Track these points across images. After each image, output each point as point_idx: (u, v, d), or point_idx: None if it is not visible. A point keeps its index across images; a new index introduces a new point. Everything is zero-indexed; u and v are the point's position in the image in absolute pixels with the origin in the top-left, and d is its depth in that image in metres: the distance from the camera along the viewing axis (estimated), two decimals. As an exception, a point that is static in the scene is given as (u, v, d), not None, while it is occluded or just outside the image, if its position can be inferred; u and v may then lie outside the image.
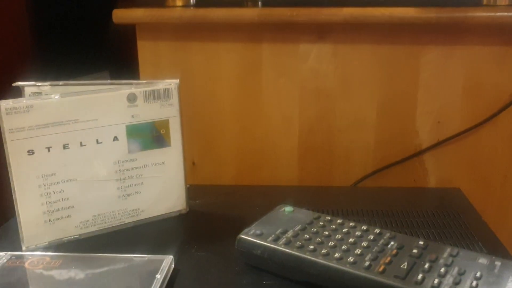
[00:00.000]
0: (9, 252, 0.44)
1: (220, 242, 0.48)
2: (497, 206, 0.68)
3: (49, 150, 0.46)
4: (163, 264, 0.42)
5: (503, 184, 0.68)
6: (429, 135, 0.67)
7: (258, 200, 0.56)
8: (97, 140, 0.48)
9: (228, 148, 0.73)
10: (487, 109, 0.65)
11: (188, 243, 0.48)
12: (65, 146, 0.46)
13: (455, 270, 0.37)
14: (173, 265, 0.43)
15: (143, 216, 0.52)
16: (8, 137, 0.44)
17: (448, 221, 0.52)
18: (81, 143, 0.47)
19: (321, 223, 0.45)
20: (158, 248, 0.46)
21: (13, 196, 0.45)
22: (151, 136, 0.50)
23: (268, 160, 0.73)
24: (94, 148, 0.48)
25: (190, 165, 0.75)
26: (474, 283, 0.35)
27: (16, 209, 0.46)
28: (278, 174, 0.73)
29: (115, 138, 0.48)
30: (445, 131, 0.67)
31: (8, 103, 0.44)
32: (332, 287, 0.39)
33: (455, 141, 0.67)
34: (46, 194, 0.46)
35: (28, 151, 0.45)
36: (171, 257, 0.43)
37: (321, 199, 0.58)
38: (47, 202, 0.47)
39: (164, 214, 0.53)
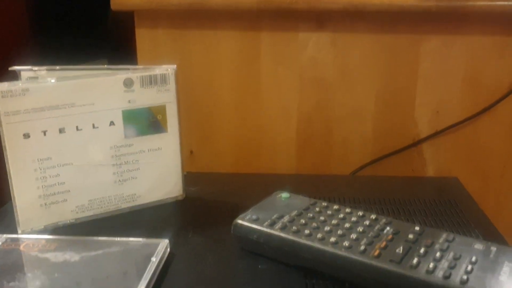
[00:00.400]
0: (4, 235, 0.44)
1: (216, 228, 0.48)
2: (495, 197, 0.68)
3: (45, 134, 0.46)
4: (159, 247, 0.42)
5: (501, 175, 0.68)
6: (428, 125, 0.67)
7: (255, 188, 0.56)
8: (93, 125, 0.47)
9: (226, 137, 0.73)
10: (487, 99, 0.65)
11: (184, 228, 0.48)
12: (61, 130, 0.46)
13: (450, 255, 0.37)
14: (168, 249, 0.43)
15: (139, 201, 0.51)
16: (3, 120, 0.44)
17: (445, 209, 0.51)
18: (77, 127, 0.47)
19: (317, 209, 0.45)
20: (154, 233, 0.46)
21: (9, 179, 0.45)
22: (147, 121, 0.50)
23: (266, 150, 0.73)
24: (90, 132, 0.47)
25: (188, 154, 0.75)
26: (470, 267, 0.35)
27: (11, 193, 0.46)
28: (276, 163, 0.73)
29: (112, 123, 0.48)
30: (444, 121, 0.67)
31: (3, 86, 0.43)
32: (327, 271, 0.39)
33: (453, 131, 0.67)
34: (42, 178, 0.46)
35: (24, 135, 0.45)
36: (166, 241, 0.43)
37: (319, 187, 0.58)
38: (43, 186, 0.46)
39: (161, 200, 0.53)
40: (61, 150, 0.46)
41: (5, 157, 0.45)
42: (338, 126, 0.70)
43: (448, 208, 0.52)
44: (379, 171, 0.70)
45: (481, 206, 0.52)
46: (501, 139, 0.66)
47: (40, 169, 0.46)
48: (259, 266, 0.41)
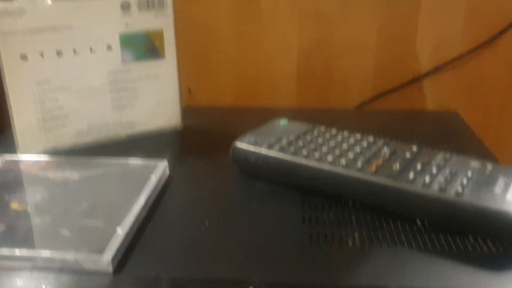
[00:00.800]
0: (4, 156, 0.44)
1: (215, 154, 0.48)
2: (495, 131, 0.68)
3: (42, 56, 0.45)
4: (158, 168, 0.42)
5: (501, 110, 0.67)
6: (429, 60, 0.66)
7: (254, 120, 0.56)
8: (90, 49, 0.47)
9: (224, 74, 0.73)
10: (489, 32, 0.64)
11: (183, 153, 0.48)
12: (58, 53, 0.46)
13: (447, 171, 0.37)
14: (168, 171, 0.43)
15: (137, 129, 0.52)
16: (0, 41, 0.43)
17: (444, 140, 0.52)
18: (74, 50, 0.46)
19: (315, 133, 0.45)
20: (152, 157, 0.46)
21: (7, 102, 0.45)
22: (145, 46, 0.49)
23: (266, 86, 0.72)
24: (87, 56, 0.47)
25: (186, 92, 0.74)
26: (465, 181, 0.36)
27: (10, 116, 0.46)
28: (276, 100, 0.73)
29: (109, 47, 0.48)
30: (445, 55, 0.66)
31: (-1, 5, 0.43)
32: (324, 189, 0.39)
33: (454, 66, 0.66)
34: (40, 101, 0.46)
35: (21, 56, 0.44)
36: (166, 162, 0.43)
37: (318, 120, 0.58)
38: (42, 110, 0.46)
39: (159, 129, 0.53)
40: (59, 73, 0.46)
41: (2, 78, 0.44)
42: (339, 61, 0.69)
43: (447, 139, 0.52)
44: (378, 107, 0.69)
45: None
46: (502, 73, 0.66)
47: (39, 92, 0.46)
48: (257, 187, 0.42)
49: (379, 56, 0.68)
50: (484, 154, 0.48)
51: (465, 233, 0.34)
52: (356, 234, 0.34)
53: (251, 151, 0.43)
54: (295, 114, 0.60)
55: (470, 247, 0.33)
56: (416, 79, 0.67)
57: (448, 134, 0.53)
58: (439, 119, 0.58)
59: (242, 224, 0.36)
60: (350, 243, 0.33)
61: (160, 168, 0.42)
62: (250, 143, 0.43)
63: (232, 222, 0.36)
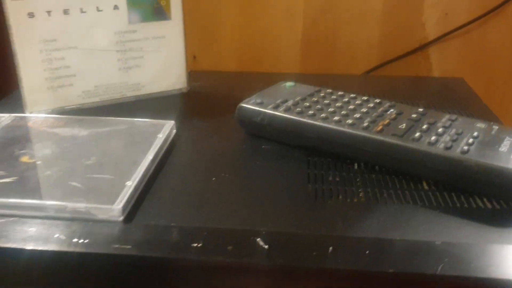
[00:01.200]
0: (13, 114, 0.45)
1: (221, 116, 0.48)
2: (499, 101, 0.68)
3: (49, 14, 0.45)
4: (165, 127, 0.42)
5: (507, 79, 0.67)
6: (436, 28, 0.66)
7: (259, 84, 0.56)
8: (97, 8, 0.47)
9: (229, 41, 0.72)
10: (496, 1, 0.64)
11: (189, 115, 0.49)
12: (65, 11, 0.46)
13: (452, 131, 0.38)
14: (174, 130, 0.43)
15: (144, 91, 0.52)
16: (7, -2, 0.43)
17: (450, 104, 0.52)
18: (81, 9, 0.46)
19: (322, 94, 0.45)
20: (159, 117, 0.47)
21: (15, 61, 0.45)
22: (151, 7, 0.49)
23: (271, 53, 0.72)
24: (94, 15, 0.47)
25: (191, 59, 0.74)
26: (471, 140, 0.36)
27: (18, 75, 0.46)
28: (281, 68, 0.72)
29: (115, 7, 0.48)
30: (452, 23, 0.66)
31: (5, -40, 0.43)
32: (329, 149, 0.40)
33: (461, 35, 0.66)
34: (47, 60, 0.46)
35: (29, 14, 0.44)
36: (172, 121, 0.43)
37: (323, 84, 0.58)
38: (49, 69, 0.47)
39: (165, 91, 0.53)
40: (66, 32, 0.46)
41: (10, 37, 0.44)
42: (344, 29, 0.69)
43: (453, 104, 0.52)
44: (383, 75, 0.69)
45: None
46: (509, 42, 0.66)
47: (46, 51, 0.46)
48: (263, 146, 0.42)
49: (385, 24, 0.67)
50: (490, 119, 0.48)
51: (470, 191, 0.34)
52: (361, 193, 0.35)
53: (257, 110, 0.43)
54: (300, 79, 0.60)
55: (474, 205, 0.33)
56: (422, 47, 0.67)
57: (454, 99, 0.53)
58: (445, 85, 0.58)
59: (248, 181, 0.37)
60: (355, 199, 0.34)
61: (167, 127, 0.42)
62: (256, 103, 0.43)
63: (238, 178, 0.37)
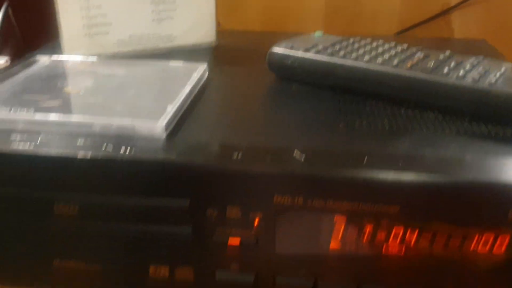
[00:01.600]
0: (53, 56, 0.47)
1: (252, 63, 0.50)
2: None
3: (88, -38, 0.47)
4: (199, 68, 0.44)
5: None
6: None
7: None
8: (133, -42, 0.49)
9: (253, 7, 0.74)
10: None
11: (220, 61, 0.50)
12: (103, -40, 0.47)
13: (480, 68, 0.39)
14: (207, 72, 0.45)
15: (176, 42, 0.53)
16: None
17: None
18: (118, -42, 0.48)
19: (351, 41, 0.47)
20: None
21: (55, 8, 0.47)
22: (185, -41, 0.51)
23: (294, 21, 0.73)
24: (130, -35, 0.49)
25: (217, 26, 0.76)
26: (498, 75, 0.37)
27: (58, 22, 0.48)
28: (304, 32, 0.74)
29: (151, -43, 0.49)
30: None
31: None
32: (360, 87, 0.41)
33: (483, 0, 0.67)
34: (85, 8, 0.48)
35: (68, -40, 0.46)
36: (205, 64, 0.45)
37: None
38: (87, 16, 0.48)
39: (196, 44, 0.55)
40: (103, -20, 0.48)
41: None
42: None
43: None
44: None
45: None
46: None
47: (84, -2, 0.48)
48: (293, 88, 0.44)
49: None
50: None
51: (498, 122, 0.36)
52: (392, 123, 0.36)
53: (287, 55, 0.44)
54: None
55: (500, 133, 0.34)
56: (445, 12, 0.68)
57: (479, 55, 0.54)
58: (469, 45, 0.59)
59: (282, 111, 0.38)
60: (386, 127, 0.35)
61: (201, 69, 0.44)
62: (287, 47, 0.45)
63: (272, 110, 0.38)
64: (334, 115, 0.37)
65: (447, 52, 0.43)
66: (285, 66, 0.44)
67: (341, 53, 0.43)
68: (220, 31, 0.58)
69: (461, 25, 0.68)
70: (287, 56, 0.44)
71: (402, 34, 0.70)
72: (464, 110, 0.37)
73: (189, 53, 0.53)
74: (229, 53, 0.54)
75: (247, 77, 0.46)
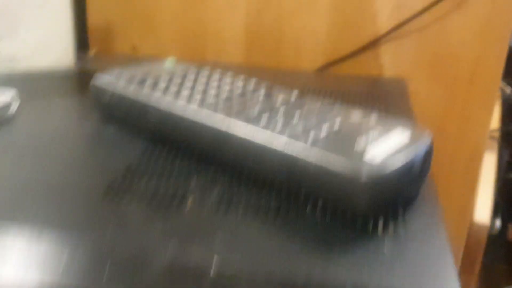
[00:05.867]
0: None
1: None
2: (461, 105, 0.58)
3: None
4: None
5: (470, 81, 0.57)
6: (388, 22, 0.58)
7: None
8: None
9: (169, 31, 0.66)
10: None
11: (50, 91, 0.42)
12: None
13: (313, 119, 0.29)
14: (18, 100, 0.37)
15: (20, 65, 0.45)
16: None
17: (372, 104, 0.43)
18: None
19: (199, 74, 0.38)
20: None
21: None
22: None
23: (213, 45, 0.65)
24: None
25: (131, 50, 0.68)
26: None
27: None
28: (223, 60, 0.66)
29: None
30: (406, 17, 0.57)
31: None
32: (173, 136, 0.32)
33: (416, 31, 0.57)
34: None
35: None
36: (12, 91, 0.37)
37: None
38: None
39: (48, 68, 0.46)
40: None
41: None
42: (290, 21, 0.61)
43: (376, 105, 0.43)
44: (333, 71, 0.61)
45: (446, 115, 0.44)
46: (471, 39, 0.56)
47: None
48: (110, 131, 0.35)
49: (334, 17, 0.59)
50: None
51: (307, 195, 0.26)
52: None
53: (105, 88, 0.36)
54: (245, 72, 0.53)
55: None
56: (373, 43, 0.59)
57: (381, 101, 0.45)
58: (382, 86, 0.50)
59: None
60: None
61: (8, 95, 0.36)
62: (110, 79, 0.36)
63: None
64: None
65: (293, 97, 0.34)
66: (104, 104, 0.36)
67: (172, 89, 0.34)
68: (98, 55, 0.50)
69: (391, 59, 0.59)
70: (104, 91, 0.36)
71: (325, 69, 0.61)
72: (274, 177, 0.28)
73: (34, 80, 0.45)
74: (81, 81, 0.46)
75: (65, 113, 0.38)
